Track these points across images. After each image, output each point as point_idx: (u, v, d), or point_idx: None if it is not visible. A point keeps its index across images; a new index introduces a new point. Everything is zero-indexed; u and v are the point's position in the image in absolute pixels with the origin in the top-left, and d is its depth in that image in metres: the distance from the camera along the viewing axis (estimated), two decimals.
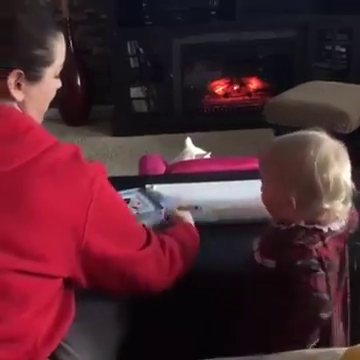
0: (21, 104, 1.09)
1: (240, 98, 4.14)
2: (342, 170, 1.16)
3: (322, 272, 1.14)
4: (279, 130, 3.20)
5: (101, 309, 1.24)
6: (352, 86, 3.33)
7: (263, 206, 1.27)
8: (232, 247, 1.41)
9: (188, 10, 3.82)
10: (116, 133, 3.94)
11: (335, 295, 1.20)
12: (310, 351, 1.15)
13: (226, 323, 1.21)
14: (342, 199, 1.17)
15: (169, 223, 1.39)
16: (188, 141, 2.66)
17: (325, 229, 1.18)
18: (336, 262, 1.21)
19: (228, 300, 1.27)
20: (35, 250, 1.01)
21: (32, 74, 1.08)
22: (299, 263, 1.13)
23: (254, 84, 4.15)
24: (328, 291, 1.15)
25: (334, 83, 3.38)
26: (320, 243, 1.16)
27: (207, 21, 3.85)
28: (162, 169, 2.31)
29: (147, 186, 1.61)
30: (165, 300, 1.24)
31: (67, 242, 1.04)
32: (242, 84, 4.16)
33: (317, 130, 1.21)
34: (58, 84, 1.17)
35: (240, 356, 1.15)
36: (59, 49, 1.11)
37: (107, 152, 3.71)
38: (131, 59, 4.00)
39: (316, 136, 1.19)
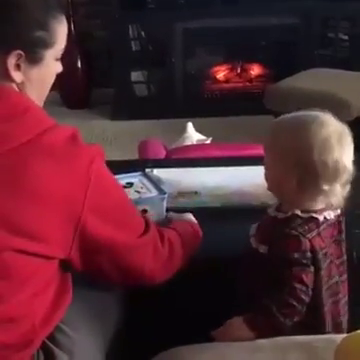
0: (20, 86, 1.09)
1: (241, 84, 4.12)
2: (343, 153, 1.15)
3: (312, 269, 1.16)
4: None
5: (100, 290, 1.25)
6: (354, 74, 3.31)
7: (261, 192, 1.27)
8: (232, 232, 1.41)
9: None
10: (116, 117, 3.92)
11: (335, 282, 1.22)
12: (305, 337, 1.16)
13: (226, 308, 1.22)
14: (341, 181, 1.17)
15: (169, 222, 1.37)
16: (189, 126, 2.65)
17: (321, 218, 1.19)
18: (331, 250, 1.22)
19: (228, 285, 1.27)
20: (33, 229, 1.01)
21: (32, 56, 1.07)
22: (296, 256, 1.14)
23: (256, 70, 4.13)
24: (318, 282, 1.17)
25: (336, 71, 3.36)
26: (315, 232, 1.17)
27: (210, 5, 3.82)
28: (162, 154, 2.31)
29: (147, 170, 1.60)
30: (165, 284, 1.25)
31: (64, 223, 1.04)
32: (244, 70, 4.14)
33: (322, 111, 1.20)
34: (59, 68, 1.16)
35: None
36: (61, 32, 1.11)
37: (107, 136, 3.70)
38: (132, 42, 3.98)
39: (319, 117, 1.18)
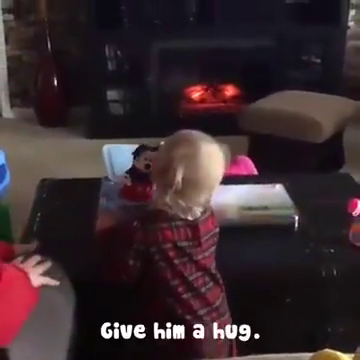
0: None
1: (216, 104, 4.16)
2: None
3: None
4: (253, 138, 3.23)
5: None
6: (326, 96, 3.38)
7: (229, 211, 1.28)
8: None
9: (167, 15, 3.84)
10: (92, 136, 3.92)
11: None
12: (274, 356, 1.17)
13: None
14: None
15: None
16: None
17: None
18: None
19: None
20: None
21: None
22: None
23: (230, 91, 4.18)
24: None
25: (309, 93, 3.43)
26: None
27: (186, 26, 3.87)
28: None
29: None
30: None
31: None
32: (218, 91, 4.18)
33: None
34: None
35: None
36: None
37: (83, 155, 3.69)
38: (109, 62, 4.00)
39: None
